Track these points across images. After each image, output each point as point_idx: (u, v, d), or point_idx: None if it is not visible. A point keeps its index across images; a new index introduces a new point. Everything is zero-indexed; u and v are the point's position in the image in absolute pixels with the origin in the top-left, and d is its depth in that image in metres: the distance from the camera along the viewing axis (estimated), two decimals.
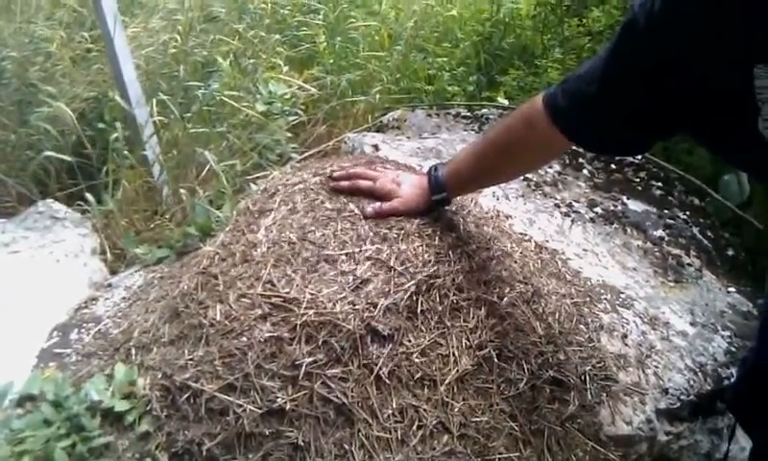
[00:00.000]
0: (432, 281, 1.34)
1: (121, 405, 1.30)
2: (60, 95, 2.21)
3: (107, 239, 1.90)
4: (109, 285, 1.75)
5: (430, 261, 1.36)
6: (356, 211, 1.43)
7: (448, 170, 1.42)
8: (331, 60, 2.71)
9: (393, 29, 2.97)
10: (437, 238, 1.42)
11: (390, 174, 1.49)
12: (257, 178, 2.03)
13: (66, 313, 1.64)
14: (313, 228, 1.39)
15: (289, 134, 2.29)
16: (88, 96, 2.32)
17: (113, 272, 1.84)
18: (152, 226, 1.94)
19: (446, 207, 1.53)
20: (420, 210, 1.44)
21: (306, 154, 2.41)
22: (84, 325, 1.58)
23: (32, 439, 1.22)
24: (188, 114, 2.07)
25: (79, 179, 2.08)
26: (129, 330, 1.47)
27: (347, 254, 1.33)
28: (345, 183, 1.49)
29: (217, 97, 2.06)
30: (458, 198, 1.65)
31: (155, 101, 2.02)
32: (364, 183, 1.48)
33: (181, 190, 1.93)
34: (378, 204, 1.43)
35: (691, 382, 1.63)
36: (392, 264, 1.33)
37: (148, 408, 1.28)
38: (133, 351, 1.39)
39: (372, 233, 1.38)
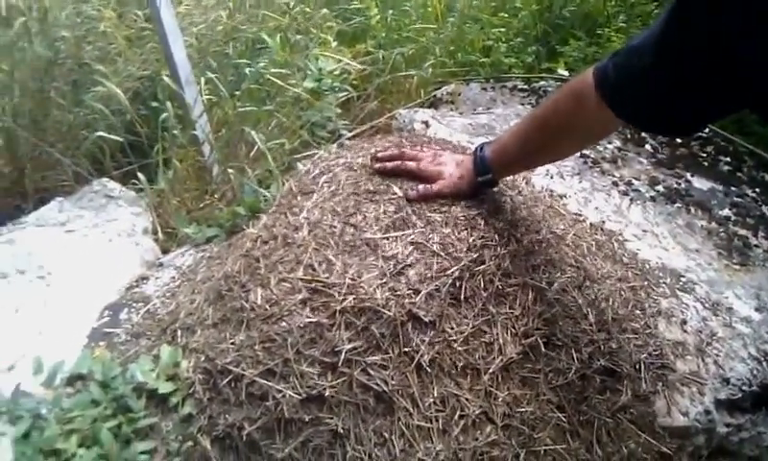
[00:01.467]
0: (477, 267, 1.30)
1: (165, 387, 1.32)
2: (114, 74, 2.24)
3: (158, 218, 1.93)
4: (160, 265, 1.77)
5: (475, 246, 1.32)
6: (400, 194, 1.39)
7: (494, 149, 1.36)
8: (383, 34, 2.66)
9: (443, 5, 2.89)
10: (483, 221, 1.37)
11: (434, 155, 1.44)
12: (306, 156, 2.01)
13: (117, 292, 1.67)
14: (355, 210, 1.36)
15: (339, 111, 2.26)
16: (142, 75, 2.34)
17: (165, 251, 1.87)
18: (202, 205, 1.95)
19: (495, 188, 1.48)
20: (465, 193, 1.40)
21: (357, 130, 2.38)
22: (134, 304, 1.60)
23: (80, 419, 1.25)
24: (237, 93, 2.06)
25: (133, 158, 2.11)
26: (175, 311, 1.48)
27: (389, 238, 1.30)
28: (388, 165, 1.45)
29: (266, 75, 2.05)
30: (507, 178, 1.59)
31: (203, 80, 2.02)
32: (408, 165, 1.43)
33: (230, 170, 1.93)
34: (422, 186, 1.38)
35: (755, 372, 1.54)
36: (435, 249, 1.29)
37: (191, 391, 1.29)
38: (179, 333, 1.40)
39: (415, 217, 1.34)
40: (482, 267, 1.30)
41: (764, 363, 1.56)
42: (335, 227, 1.33)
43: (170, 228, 1.93)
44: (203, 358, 1.30)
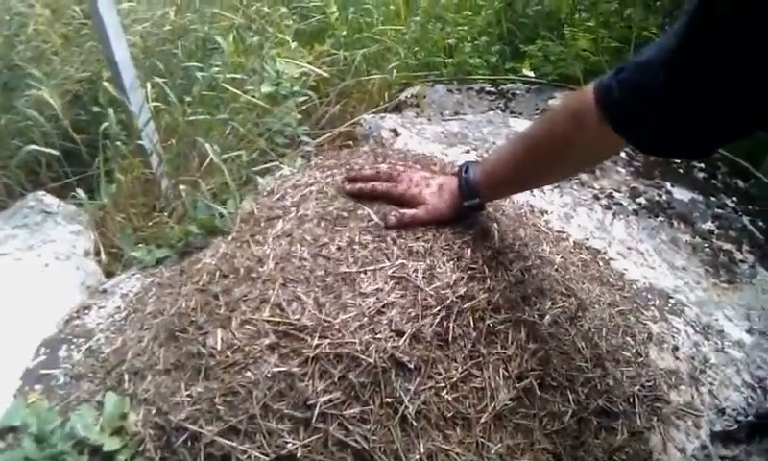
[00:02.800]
0: (465, 303, 1.16)
1: (111, 443, 1.14)
2: (50, 76, 2.02)
3: (101, 237, 1.74)
4: (104, 291, 1.58)
5: (462, 278, 1.18)
6: (377, 220, 1.25)
7: (482, 172, 1.23)
8: (344, 33, 2.50)
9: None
10: (469, 250, 1.24)
11: (413, 175, 1.30)
12: (265, 168, 1.85)
13: (56, 326, 1.48)
14: (327, 240, 1.21)
15: (299, 117, 2.10)
16: (81, 77, 2.13)
17: (109, 275, 1.68)
18: (150, 223, 1.77)
19: (482, 212, 1.35)
20: (448, 217, 1.26)
21: (320, 138, 2.22)
22: (75, 339, 1.42)
23: None
24: (188, 98, 1.88)
25: (72, 169, 1.91)
26: (122, 351, 1.30)
27: (366, 272, 1.16)
28: (363, 187, 1.31)
29: (219, 79, 1.87)
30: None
31: (149, 84, 1.83)
32: (384, 187, 1.29)
33: (181, 184, 1.75)
34: (401, 211, 1.25)
35: (749, 400, 1.45)
36: (419, 283, 1.15)
37: (140, 448, 1.12)
38: (126, 377, 1.23)
39: (395, 246, 1.20)
40: (471, 303, 1.16)
41: (759, 390, 1.48)
42: (305, 259, 1.18)
43: (114, 248, 1.74)
44: (154, 411, 1.14)
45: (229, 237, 1.33)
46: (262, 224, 1.30)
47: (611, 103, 0.99)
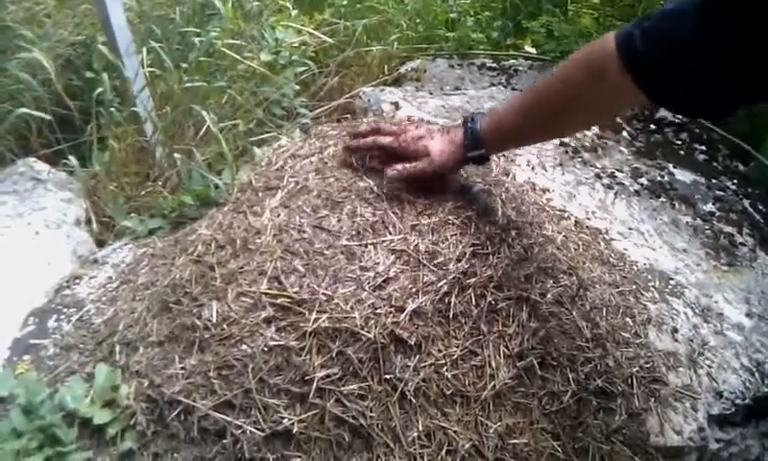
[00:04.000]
0: (467, 279, 1.14)
1: (101, 416, 1.12)
2: (42, 39, 1.97)
3: (93, 206, 1.70)
4: (95, 261, 1.55)
5: (465, 254, 1.16)
6: (378, 192, 1.22)
7: (488, 123, 1.19)
8: (344, 3, 2.45)
9: None
10: (473, 225, 1.21)
11: (416, 129, 1.26)
12: (262, 139, 1.81)
13: (45, 295, 1.44)
14: (327, 211, 1.18)
15: (297, 87, 2.05)
16: (75, 41, 2.07)
17: (100, 244, 1.64)
18: (143, 192, 1.72)
19: (481, 183, 1.32)
20: (451, 169, 1.24)
21: (318, 110, 2.18)
22: (65, 310, 1.39)
23: None
24: (184, 65, 1.83)
25: (64, 135, 1.86)
26: (113, 321, 1.27)
27: (367, 245, 1.13)
28: (364, 141, 1.27)
29: (217, 45, 1.82)
30: (493, 173, 1.44)
31: (145, 49, 1.78)
32: (385, 140, 1.25)
33: (176, 153, 1.71)
34: (402, 164, 1.21)
35: (747, 384, 1.45)
36: (421, 258, 1.13)
37: (132, 422, 1.10)
38: (117, 349, 1.20)
39: (396, 219, 1.17)
40: (473, 279, 1.14)
41: (756, 374, 1.47)
42: (304, 231, 1.15)
43: (106, 217, 1.70)
44: (146, 384, 1.11)
45: (226, 207, 1.30)
46: (260, 194, 1.26)
47: (633, 52, 0.94)
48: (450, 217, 1.20)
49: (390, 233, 1.14)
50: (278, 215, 1.19)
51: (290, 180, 1.26)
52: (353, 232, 1.14)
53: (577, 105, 1.07)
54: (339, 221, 1.16)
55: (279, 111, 2.00)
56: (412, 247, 1.13)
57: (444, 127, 1.32)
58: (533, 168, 1.74)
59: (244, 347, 1.05)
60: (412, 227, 1.16)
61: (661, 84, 0.94)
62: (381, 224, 1.16)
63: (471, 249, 1.17)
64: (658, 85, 0.94)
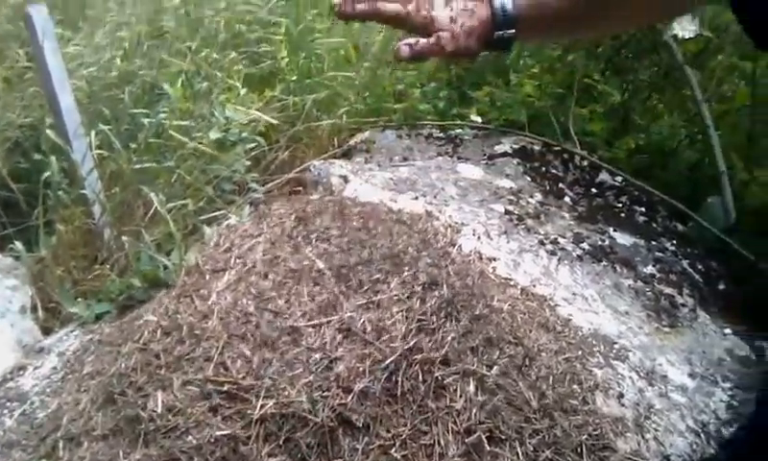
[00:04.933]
0: (414, 355, 1.16)
1: None
2: None
3: (39, 292, 1.67)
4: (40, 350, 1.52)
5: (411, 330, 1.18)
6: (325, 270, 1.24)
7: (532, 7, 0.96)
8: (294, 78, 2.50)
9: (360, 43, 2.77)
10: (418, 300, 1.24)
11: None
12: (212, 217, 1.82)
13: None
14: (274, 293, 1.19)
15: (248, 163, 2.08)
16: (23, 123, 2.07)
17: (46, 332, 1.62)
18: (91, 275, 1.71)
19: (427, 256, 1.35)
20: (474, 51, 0.97)
21: (269, 185, 2.21)
22: (8, 404, 1.35)
23: None
24: (133, 145, 1.84)
25: (10, 219, 1.84)
26: (57, 415, 1.25)
27: (314, 326, 1.14)
28: (362, 7, 0.96)
29: (166, 126, 1.84)
30: (439, 244, 1.48)
31: (93, 132, 1.79)
32: (391, 7, 0.95)
33: (124, 236, 1.71)
34: (415, 40, 0.93)
35: (694, 446, 1.48)
36: (368, 336, 1.14)
37: None
38: (61, 445, 1.17)
39: (344, 298, 1.19)
40: (420, 356, 1.16)
41: (702, 435, 1.51)
42: (251, 314, 1.16)
43: (52, 303, 1.67)
44: None
45: (173, 292, 1.30)
46: (207, 277, 1.27)
47: None
48: (397, 293, 1.23)
49: (337, 312, 1.16)
50: (225, 298, 1.19)
51: (237, 261, 1.27)
52: (300, 313, 1.15)
53: None
54: (286, 302, 1.17)
55: (230, 187, 2.02)
56: (359, 325, 1.15)
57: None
58: (479, 237, 1.79)
59: (190, 438, 1.04)
60: (358, 305, 1.17)
61: None
62: (328, 303, 1.17)
63: (417, 324, 1.19)
64: None
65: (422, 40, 0.93)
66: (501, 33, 0.95)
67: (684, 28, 1.96)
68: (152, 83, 2.04)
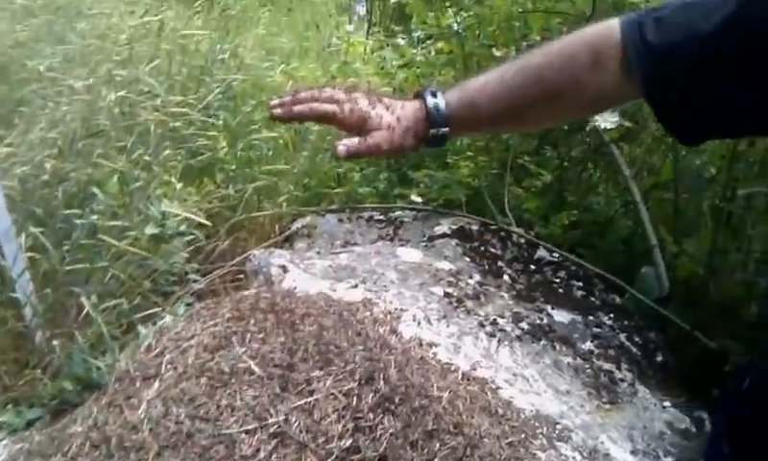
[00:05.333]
0: (351, 456, 1.14)
1: None
2: None
3: None
4: None
5: (348, 430, 1.17)
6: (258, 371, 1.22)
7: (458, 99, 0.99)
8: (233, 168, 2.52)
9: (298, 132, 2.82)
10: (354, 397, 1.23)
11: (365, 96, 1.02)
12: (150, 314, 1.79)
13: None
14: (206, 398, 1.17)
15: (186, 255, 2.06)
16: None
17: None
18: (22, 381, 1.65)
19: (364, 349, 1.35)
20: (410, 148, 1.01)
21: (209, 275, 2.19)
22: None
23: None
24: (67, 244, 1.81)
25: None
26: None
27: (248, 431, 1.12)
28: (296, 108, 0.98)
29: (99, 225, 1.82)
30: (379, 332, 1.48)
31: (24, 234, 1.76)
32: (327, 108, 0.98)
33: (56, 340, 1.66)
34: (352, 140, 0.96)
35: None
36: (303, 439, 1.13)
37: None
38: None
39: (278, 400, 1.18)
40: (357, 456, 1.15)
41: None
42: (182, 422, 1.13)
43: None
44: None
45: (102, 400, 1.27)
46: (137, 384, 1.24)
47: (640, 48, 0.83)
48: (333, 391, 1.22)
49: (271, 416, 1.14)
50: (156, 407, 1.17)
51: (169, 366, 1.25)
52: (234, 419, 1.13)
53: (574, 89, 0.93)
54: (218, 408, 1.15)
55: (169, 280, 2.00)
56: (294, 428, 1.13)
57: (396, 98, 1.14)
58: (419, 323, 1.80)
59: None
60: (293, 407, 1.16)
61: (666, 89, 0.83)
62: (262, 407, 1.16)
63: (354, 423, 1.18)
64: (661, 89, 0.84)
65: (358, 140, 0.96)
66: (436, 131, 0.98)
67: (606, 119, 2.06)
68: (87, 180, 2.02)
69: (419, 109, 0.99)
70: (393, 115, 0.99)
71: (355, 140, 0.96)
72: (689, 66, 0.79)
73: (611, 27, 0.86)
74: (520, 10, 3.03)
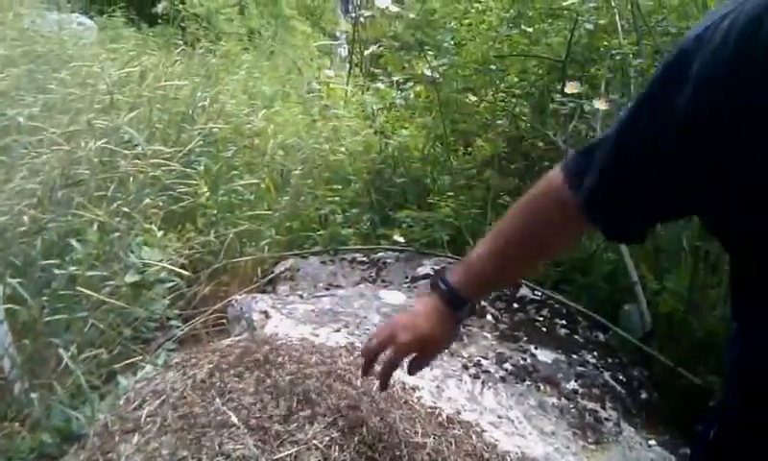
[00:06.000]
0: None
1: None
2: None
3: None
4: None
5: None
6: (238, 423, 1.21)
7: (464, 277, 1.13)
8: (215, 213, 2.52)
9: (279, 176, 2.84)
10: (336, 447, 1.22)
11: (396, 326, 1.22)
12: (130, 363, 1.77)
13: None
14: (186, 452, 1.15)
15: (167, 302, 2.05)
16: None
17: None
18: (0, 435, 1.62)
19: (346, 397, 1.34)
20: (449, 341, 1.24)
21: (191, 321, 2.18)
22: None
23: None
24: (45, 296, 1.80)
25: None
26: None
27: None
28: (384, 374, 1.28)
29: (78, 275, 1.81)
30: (359, 380, 1.48)
31: (2, 286, 1.74)
32: (372, 348, 1.24)
33: (33, 393, 1.64)
34: (412, 360, 1.23)
35: None
36: None
37: None
38: None
39: (259, 452, 1.16)
40: None
41: None
42: None
43: None
44: None
45: (81, 456, 1.24)
46: (116, 438, 1.22)
47: (574, 180, 0.92)
48: (314, 441, 1.21)
49: None
50: None
51: (148, 419, 1.23)
52: None
53: (548, 236, 1.05)
54: None
55: (150, 327, 1.99)
56: None
57: (411, 307, 1.35)
58: (402, 367, 1.78)
59: None
60: (275, 460, 1.15)
61: (601, 210, 0.91)
62: (242, 459, 1.14)
63: None
64: (598, 211, 0.91)
65: (416, 360, 1.24)
66: (460, 312, 1.16)
67: None
68: (66, 230, 2.02)
69: (438, 303, 1.15)
70: (427, 323, 1.16)
71: (416, 360, 1.23)
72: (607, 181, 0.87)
73: (557, 173, 0.96)
74: (495, 55, 3.08)
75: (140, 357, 1.79)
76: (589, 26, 2.51)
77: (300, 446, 1.19)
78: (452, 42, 3.06)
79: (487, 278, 1.13)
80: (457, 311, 1.15)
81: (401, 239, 2.97)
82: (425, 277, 2.51)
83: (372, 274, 2.59)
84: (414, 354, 1.21)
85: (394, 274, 2.58)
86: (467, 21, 3.27)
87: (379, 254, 2.79)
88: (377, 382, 1.54)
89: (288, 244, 2.85)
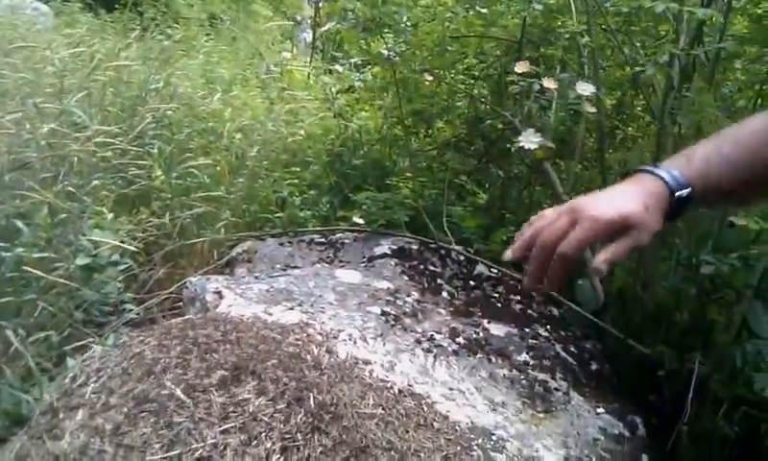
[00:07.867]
0: None
1: None
2: None
3: None
4: None
5: (275, 451, 1.17)
6: (183, 397, 1.22)
7: (693, 168, 0.90)
8: (170, 195, 2.50)
9: (235, 158, 2.82)
10: (282, 418, 1.23)
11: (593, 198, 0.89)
12: (80, 346, 1.76)
13: None
14: (130, 426, 1.16)
15: (120, 285, 2.04)
16: None
17: None
18: None
19: (293, 370, 1.35)
20: (661, 222, 0.87)
21: (146, 303, 2.17)
22: None
23: None
24: None
25: None
26: None
27: (172, 458, 1.11)
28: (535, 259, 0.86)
29: (26, 257, 1.79)
30: (310, 355, 1.49)
31: None
32: (573, 239, 0.83)
33: None
34: (609, 250, 0.83)
35: None
36: None
37: None
38: None
39: (204, 424, 1.17)
40: None
41: None
42: (105, 451, 1.12)
43: None
44: None
45: (24, 435, 1.24)
46: (60, 415, 1.22)
47: None
48: (259, 413, 1.22)
49: (196, 441, 1.14)
50: (79, 438, 1.15)
51: (93, 396, 1.23)
52: (158, 445, 1.12)
53: None
54: (142, 435, 1.14)
55: (104, 310, 1.98)
56: (218, 452, 1.13)
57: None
58: (354, 342, 1.81)
59: None
60: (221, 431, 1.16)
61: None
62: (188, 432, 1.15)
63: (281, 443, 1.18)
64: None
65: (617, 247, 0.84)
66: (680, 192, 0.88)
67: (528, 139, 2.11)
68: (14, 214, 1.99)
69: (650, 180, 0.89)
70: (635, 199, 0.87)
71: (614, 248, 0.84)
72: None
73: None
74: (451, 35, 3.10)
75: (91, 339, 1.78)
76: (539, 7, 2.53)
77: (244, 418, 1.20)
78: (408, 22, 3.07)
79: (723, 180, 0.91)
80: (676, 192, 0.89)
81: (361, 221, 2.98)
82: (382, 256, 2.53)
83: (330, 254, 2.60)
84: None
85: (351, 254, 2.59)
86: (423, 1, 3.28)
87: (337, 234, 2.80)
88: (328, 356, 1.56)
89: (246, 227, 2.84)
